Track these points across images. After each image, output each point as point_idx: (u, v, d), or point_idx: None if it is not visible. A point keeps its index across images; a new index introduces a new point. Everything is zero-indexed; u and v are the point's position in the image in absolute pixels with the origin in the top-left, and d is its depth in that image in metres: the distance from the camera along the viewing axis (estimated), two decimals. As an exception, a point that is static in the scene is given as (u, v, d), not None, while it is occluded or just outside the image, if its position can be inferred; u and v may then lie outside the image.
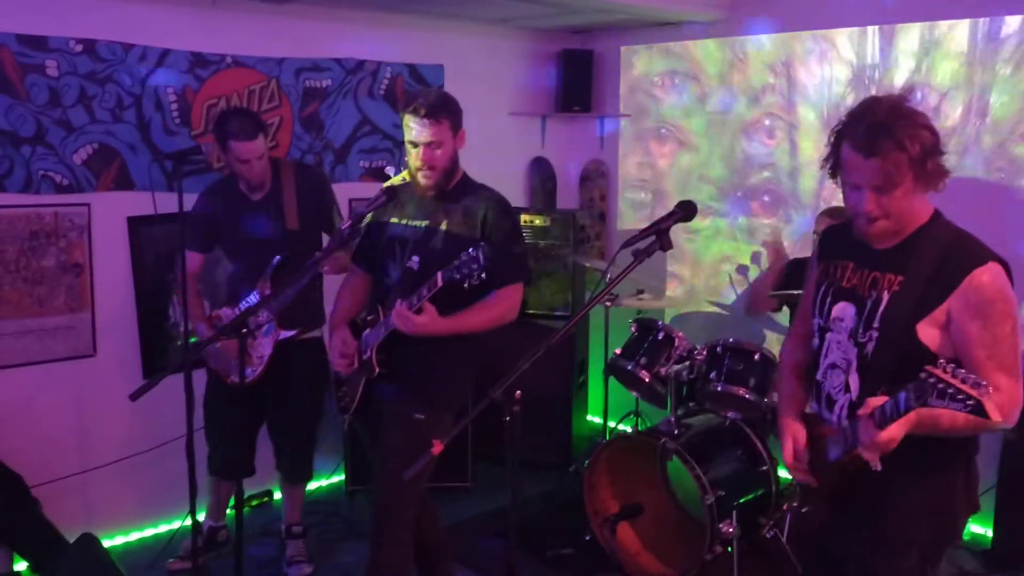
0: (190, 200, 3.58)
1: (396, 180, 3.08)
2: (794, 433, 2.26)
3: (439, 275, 2.70)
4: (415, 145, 2.83)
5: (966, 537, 4.02)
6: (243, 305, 3.49)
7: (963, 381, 1.70)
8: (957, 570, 3.76)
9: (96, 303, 3.86)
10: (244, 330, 2.67)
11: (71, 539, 3.49)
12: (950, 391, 1.69)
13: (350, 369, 3.03)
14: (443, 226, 2.89)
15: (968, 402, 1.68)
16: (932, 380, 1.71)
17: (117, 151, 3.85)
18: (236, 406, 3.57)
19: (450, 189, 2.94)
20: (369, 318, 3.01)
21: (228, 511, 3.97)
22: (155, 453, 3.97)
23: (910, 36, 4.17)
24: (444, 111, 2.82)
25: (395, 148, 4.77)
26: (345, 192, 4.41)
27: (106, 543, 3.76)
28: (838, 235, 2.29)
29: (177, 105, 3.98)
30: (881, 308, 2.08)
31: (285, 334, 3.52)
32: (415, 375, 2.92)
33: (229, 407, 3.62)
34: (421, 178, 2.88)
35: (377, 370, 2.94)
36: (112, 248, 3.89)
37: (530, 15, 4.78)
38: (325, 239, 3.62)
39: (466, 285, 2.66)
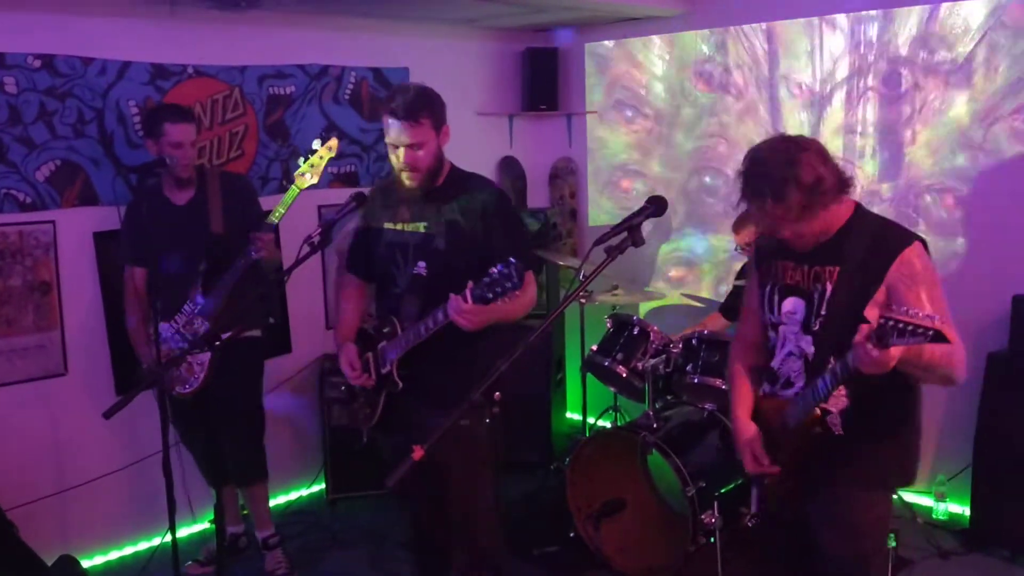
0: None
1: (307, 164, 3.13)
2: (750, 438, 2.44)
3: (467, 293, 2.50)
4: (396, 147, 2.71)
5: (944, 517, 4.08)
6: (180, 319, 3.46)
7: (916, 317, 1.83)
8: (936, 549, 3.80)
9: (65, 321, 3.81)
10: (217, 343, 2.64)
11: (50, 561, 3.45)
12: (909, 328, 1.82)
13: (368, 383, 2.88)
14: (443, 227, 2.76)
15: (928, 332, 1.81)
16: (891, 323, 1.84)
17: (80, 166, 3.80)
18: (194, 417, 3.58)
19: (440, 185, 2.80)
20: (385, 331, 2.85)
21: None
22: (132, 470, 3.92)
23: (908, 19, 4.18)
24: (424, 110, 2.68)
25: (363, 152, 4.74)
26: (314, 199, 4.38)
27: (86, 563, 3.73)
28: (769, 240, 2.42)
29: (139, 118, 3.93)
30: (827, 297, 2.28)
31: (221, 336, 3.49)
32: (439, 382, 2.76)
33: (188, 420, 3.63)
34: (405, 179, 2.75)
35: (400, 385, 2.81)
36: (79, 265, 3.84)
37: (494, 15, 4.78)
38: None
39: (499, 303, 2.47)
